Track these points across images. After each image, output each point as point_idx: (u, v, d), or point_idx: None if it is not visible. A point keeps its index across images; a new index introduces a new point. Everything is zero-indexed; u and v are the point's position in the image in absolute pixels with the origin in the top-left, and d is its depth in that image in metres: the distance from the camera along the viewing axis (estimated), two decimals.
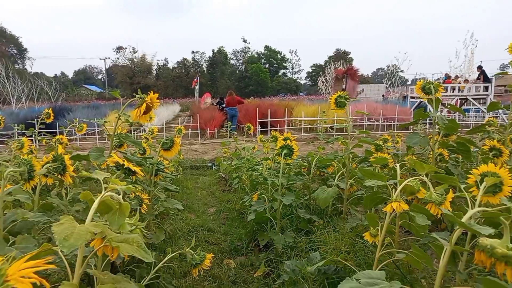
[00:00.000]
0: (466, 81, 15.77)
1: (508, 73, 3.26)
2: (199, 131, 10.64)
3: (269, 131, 11.43)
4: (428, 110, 11.25)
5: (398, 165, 1.89)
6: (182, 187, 4.96)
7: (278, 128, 11.67)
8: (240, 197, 3.87)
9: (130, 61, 64.15)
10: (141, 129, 11.75)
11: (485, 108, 13.65)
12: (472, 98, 13.43)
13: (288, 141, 2.84)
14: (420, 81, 3.06)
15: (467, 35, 19.08)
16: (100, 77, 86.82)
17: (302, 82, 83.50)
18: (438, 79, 18.77)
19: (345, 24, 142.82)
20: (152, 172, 2.43)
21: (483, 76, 13.89)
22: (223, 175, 5.69)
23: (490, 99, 13.44)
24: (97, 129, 11.28)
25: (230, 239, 2.90)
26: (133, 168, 1.49)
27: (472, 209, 1.58)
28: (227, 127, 9.15)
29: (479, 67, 14.45)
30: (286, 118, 11.72)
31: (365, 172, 1.53)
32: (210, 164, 6.79)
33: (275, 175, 2.48)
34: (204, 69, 69.14)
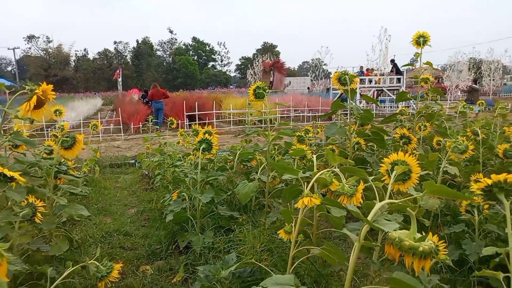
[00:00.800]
0: (371, 71, 16.91)
1: (415, 65, 3.47)
2: (121, 126, 10.02)
3: (197, 124, 11.18)
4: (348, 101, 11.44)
5: (314, 156, 1.86)
6: (99, 188, 4.58)
7: (207, 121, 11.48)
8: (163, 195, 3.66)
9: (44, 52, 58.72)
10: (56, 125, 10.75)
11: None
12: (387, 90, 14.47)
13: (207, 134, 2.71)
14: (336, 73, 3.11)
15: (382, 31, 20.43)
16: (9, 69, 78.38)
17: (232, 74, 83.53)
18: (357, 72, 19.91)
19: (272, 18, 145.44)
20: (52, 175, 2.14)
21: (395, 69, 15.03)
22: (146, 172, 5.39)
23: (403, 90, 14.59)
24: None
25: (149, 242, 2.70)
26: (9, 173, 1.25)
27: (384, 198, 1.60)
28: (151, 121, 8.62)
29: (392, 61, 15.63)
30: (214, 111, 11.55)
31: (278, 166, 1.46)
32: (133, 161, 6.40)
33: (195, 171, 2.34)
34: (129, 60, 65.81)
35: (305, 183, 1.42)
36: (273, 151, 2.38)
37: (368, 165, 3.21)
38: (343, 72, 3.09)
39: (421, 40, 3.07)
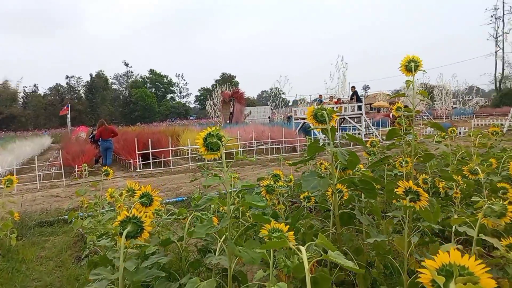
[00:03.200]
0: (338, 100, 16.84)
1: (406, 94, 2.92)
2: (63, 171, 8.83)
3: (151, 163, 10.20)
4: (312, 134, 11.17)
5: (303, 250, 1.14)
6: (15, 262, 3.55)
7: (162, 159, 10.52)
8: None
9: None
10: None
11: (360, 126, 14.65)
12: (349, 117, 14.26)
13: (145, 200, 1.93)
14: (309, 106, 2.47)
15: (338, 59, 20.73)
16: None
17: (192, 105, 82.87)
18: (315, 99, 19.86)
19: (230, 48, 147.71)
20: None
21: (356, 96, 14.95)
22: (82, 232, 4.41)
23: (364, 117, 14.46)
24: None
25: None
26: None
27: None
28: (100, 162, 7.54)
29: (353, 87, 15.57)
30: (170, 148, 10.62)
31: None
32: None
33: (112, 276, 1.50)
34: (82, 95, 63.33)
35: None
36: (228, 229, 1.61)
37: (356, 222, 2.54)
38: (320, 107, 2.45)
39: (412, 66, 2.50)
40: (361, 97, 16.33)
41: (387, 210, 3.39)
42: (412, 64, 2.50)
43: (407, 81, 2.57)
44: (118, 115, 62.01)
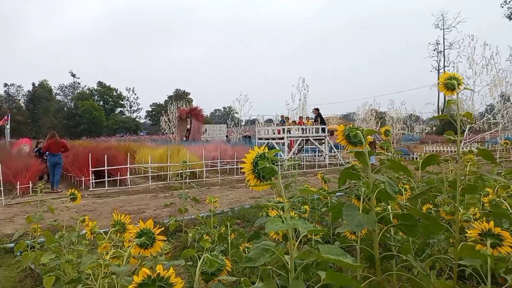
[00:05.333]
0: (301, 119, 16.85)
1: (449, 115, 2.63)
2: (2, 188, 7.66)
3: (106, 182, 9.24)
4: (278, 155, 10.73)
5: None
6: None
7: (118, 177, 9.61)
8: None
9: None
10: None
11: (323, 148, 14.62)
12: (313, 139, 14.19)
13: (136, 250, 1.41)
14: (339, 127, 2.09)
15: (300, 81, 20.95)
16: None
17: (142, 121, 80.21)
18: (279, 121, 19.71)
19: (183, 65, 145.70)
20: None
21: (320, 118, 14.96)
22: (32, 267, 3.65)
23: (328, 140, 14.48)
24: None
25: None
26: None
27: None
28: (45, 179, 6.58)
29: (316, 109, 15.55)
30: (129, 165, 9.75)
31: None
32: (12, 244, 4.45)
33: None
34: (22, 105, 58.83)
35: None
36: None
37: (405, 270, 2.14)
38: (353, 128, 2.06)
39: (454, 83, 2.20)
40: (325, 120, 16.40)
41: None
42: (454, 81, 2.21)
43: (448, 100, 2.26)
44: (61, 128, 58.12)
